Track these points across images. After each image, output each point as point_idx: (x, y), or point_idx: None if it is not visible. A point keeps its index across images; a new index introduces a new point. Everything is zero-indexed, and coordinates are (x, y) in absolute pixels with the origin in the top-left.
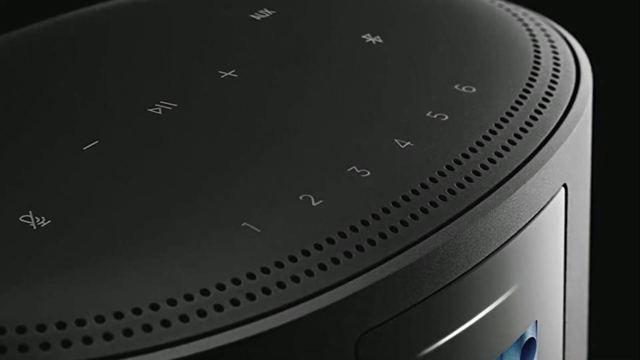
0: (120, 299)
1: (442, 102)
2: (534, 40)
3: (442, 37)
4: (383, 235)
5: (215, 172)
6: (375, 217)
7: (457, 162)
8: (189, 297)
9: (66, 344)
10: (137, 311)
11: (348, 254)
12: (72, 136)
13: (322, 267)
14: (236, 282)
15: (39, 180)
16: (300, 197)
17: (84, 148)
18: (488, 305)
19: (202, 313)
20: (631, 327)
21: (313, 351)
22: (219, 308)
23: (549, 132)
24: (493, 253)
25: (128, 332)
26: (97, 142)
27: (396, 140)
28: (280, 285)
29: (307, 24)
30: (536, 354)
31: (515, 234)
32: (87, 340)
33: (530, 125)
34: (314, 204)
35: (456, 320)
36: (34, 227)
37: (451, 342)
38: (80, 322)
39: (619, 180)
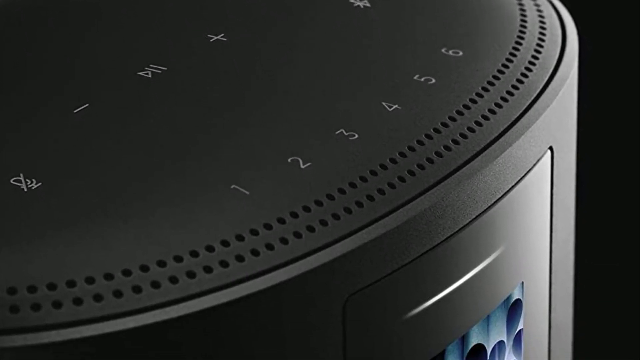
0: (110, 260)
1: (430, 66)
2: (520, 4)
3: (429, 0)
4: (371, 198)
5: (204, 134)
6: (363, 179)
7: (444, 125)
8: (178, 259)
9: (57, 305)
10: (127, 272)
11: (336, 216)
12: (62, 99)
13: (310, 229)
14: (225, 243)
15: (30, 143)
16: (289, 160)
17: (75, 111)
18: (475, 266)
19: (191, 274)
20: (615, 289)
21: (301, 312)
22: (208, 269)
23: (535, 95)
24: (480, 215)
25: (118, 293)
26: (87, 105)
27: (384, 104)
28: (269, 246)
29: None
30: (522, 315)
31: (502, 196)
32: (78, 301)
33: (516, 88)
34: (302, 166)
35: (443, 282)
36: (25, 190)
37: (438, 304)
38: (71, 284)
39: (604, 142)
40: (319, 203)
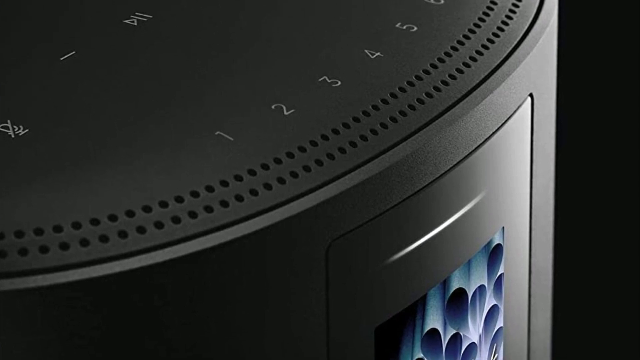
0: (96, 205)
1: (411, 14)
2: None
3: None
4: (353, 144)
5: (189, 82)
6: (346, 125)
7: (426, 72)
8: (163, 204)
9: (43, 249)
10: (112, 218)
11: (319, 162)
12: (49, 47)
13: (294, 174)
14: (210, 189)
15: (17, 90)
16: (272, 106)
17: (61, 58)
18: (456, 212)
19: (176, 220)
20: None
21: (284, 257)
22: (193, 215)
23: (515, 43)
24: (461, 161)
25: (104, 238)
26: (73, 52)
27: (366, 51)
28: (253, 192)
29: None
30: (503, 260)
31: (483, 143)
32: (64, 246)
33: (497, 36)
34: (285, 113)
35: (425, 227)
36: (12, 136)
37: (420, 248)
38: (57, 229)
39: (583, 89)
40: (302, 149)
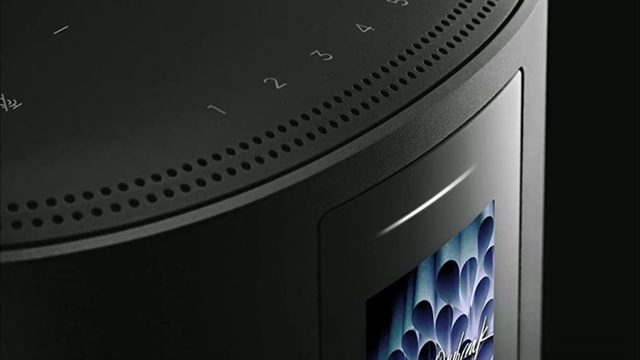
0: (90, 179)
1: None
2: None
3: None
4: (345, 118)
5: (182, 56)
6: (337, 99)
7: (417, 46)
8: (156, 178)
9: (37, 222)
10: (106, 191)
11: (311, 136)
12: (42, 21)
13: (286, 148)
14: (202, 162)
15: (11, 64)
16: (265, 80)
17: (55, 33)
18: (447, 185)
19: (169, 193)
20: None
21: (276, 230)
22: (185, 188)
23: (506, 17)
24: (452, 134)
25: (97, 212)
26: (67, 26)
27: (358, 25)
28: (245, 165)
29: None
30: (493, 233)
31: (473, 116)
32: (57, 219)
33: (487, 10)
34: (277, 87)
35: (416, 200)
36: (6, 109)
37: (411, 221)
38: (51, 202)
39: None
40: (294, 123)
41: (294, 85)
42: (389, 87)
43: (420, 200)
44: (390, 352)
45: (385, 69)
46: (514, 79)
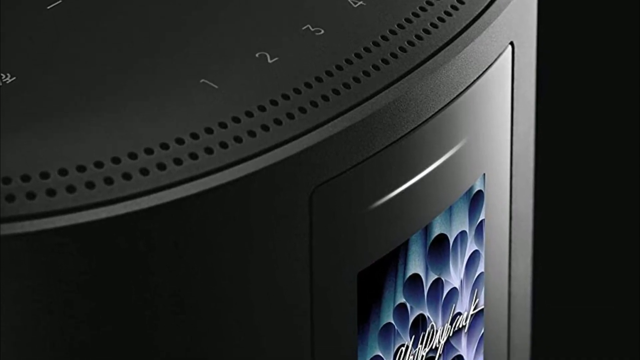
0: (83, 152)
1: None
2: None
3: None
4: (336, 92)
5: (174, 31)
6: (329, 74)
7: (408, 20)
8: (149, 151)
9: (30, 196)
10: (99, 164)
11: (302, 110)
12: None
13: (278, 122)
14: (195, 136)
15: (5, 38)
16: (257, 55)
17: (48, 7)
18: (438, 158)
19: (161, 166)
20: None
21: (269, 203)
22: (178, 161)
23: None
24: (442, 108)
25: (90, 185)
26: (60, 1)
27: (349, 0)
28: (237, 139)
29: None
30: (484, 206)
31: (464, 90)
32: (51, 192)
33: None
34: (269, 61)
35: (407, 173)
36: (0, 84)
37: (402, 195)
38: (44, 175)
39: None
40: (286, 97)
41: (285, 60)
42: (380, 61)
43: (412, 173)
44: (381, 325)
45: (376, 43)
46: (504, 54)
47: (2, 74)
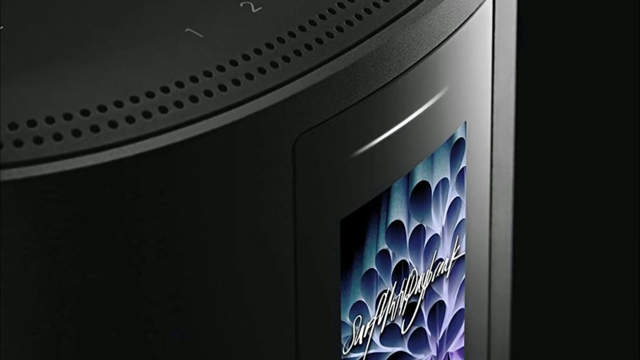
0: (69, 101)
1: None
2: None
3: None
4: (319, 41)
5: None
6: (312, 23)
7: None
8: (134, 99)
9: (18, 143)
10: (85, 112)
11: (286, 58)
12: None
13: (262, 70)
14: (180, 84)
15: None
16: (241, 4)
17: None
18: (419, 107)
19: (147, 114)
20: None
21: (252, 151)
22: (163, 110)
23: None
24: (424, 57)
25: (77, 133)
26: None
27: None
28: (222, 87)
29: None
30: (465, 154)
31: (446, 39)
32: (38, 140)
33: None
34: (253, 10)
35: (389, 121)
36: None
37: (384, 142)
38: (31, 123)
39: None
40: (269, 46)
41: (269, 9)
42: (362, 10)
43: (394, 121)
44: (364, 271)
45: None
46: (485, 3)
47: None
